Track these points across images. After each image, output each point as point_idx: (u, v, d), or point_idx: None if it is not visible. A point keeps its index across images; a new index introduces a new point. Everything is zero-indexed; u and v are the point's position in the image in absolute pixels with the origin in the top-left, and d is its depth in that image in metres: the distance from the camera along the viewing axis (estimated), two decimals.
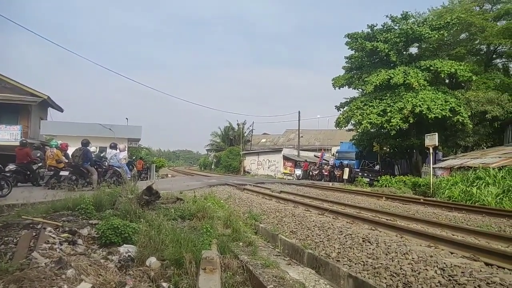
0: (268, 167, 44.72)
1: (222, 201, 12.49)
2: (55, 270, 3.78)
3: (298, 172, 35.93)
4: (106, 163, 14.56)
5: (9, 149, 16.82)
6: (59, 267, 3.88)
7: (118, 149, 14.83)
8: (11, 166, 13.18)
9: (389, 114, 23.86)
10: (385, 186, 22.08)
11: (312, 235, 7.59)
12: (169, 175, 36.12)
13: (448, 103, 23.11)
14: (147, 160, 29.89)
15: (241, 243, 6.84)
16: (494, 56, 29.39)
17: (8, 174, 11.54)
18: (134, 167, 16.10)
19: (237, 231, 7.38)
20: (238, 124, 60.35)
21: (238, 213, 10.37)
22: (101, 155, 15.15)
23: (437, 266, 5.05)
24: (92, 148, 14.76)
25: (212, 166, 61.30)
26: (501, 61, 29.99)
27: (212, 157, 64.40)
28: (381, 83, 24.47)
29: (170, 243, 5.30)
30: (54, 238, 5.31)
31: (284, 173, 40.40)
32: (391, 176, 24.20)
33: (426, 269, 5.02)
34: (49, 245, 4.88)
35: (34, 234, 5.45)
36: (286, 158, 42.45)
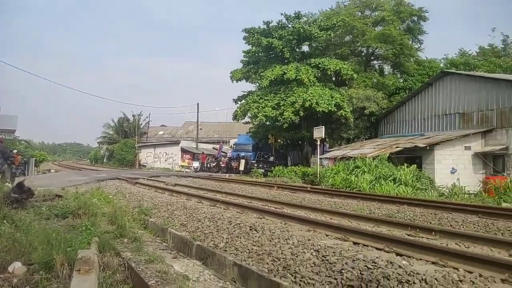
0: (165, 160, 43.58)
1: (110, 196, 11.74)
2: None
3: (196, 164, 35.76)
4: None
5: None
6: None
7: None
8: None
9: (282, 107, 25.11)
10: (278, 176, 23.28)
11: (202, 227, 7.59)
12: (52, 170, 32.66)
13: (334, 98, 25.25)
14: (25, 154, 26.59)
15: (125, 240, 6.50)
16: (372, 57, 32.93)
17: None
18: (12, 161, 14.06)
19: (123, 227, 7.01)
20: (133, 116, 57.35)
21: (127, 208, 9.84)
22: None
23: (313, 248, 5.46)
24: None
25: (104, 160, 57.34)
26: (377, 62, 33.75)
27: (104, 150, 60.16)
28: (275, 78, 25.61)
29: (39, 245, 4.79)
30: None
31: (181, 165, 39.81)
32: (284, 167, 25.61)
33: (304, 252, 5.39)
34: None
35: None
36: (184, 151, 41.86)
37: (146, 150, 47.35)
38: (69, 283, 4.13)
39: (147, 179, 19.27)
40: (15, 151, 16.37)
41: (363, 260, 4.78)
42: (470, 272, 4.40)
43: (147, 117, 56.91)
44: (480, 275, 4.30)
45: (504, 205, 12.77)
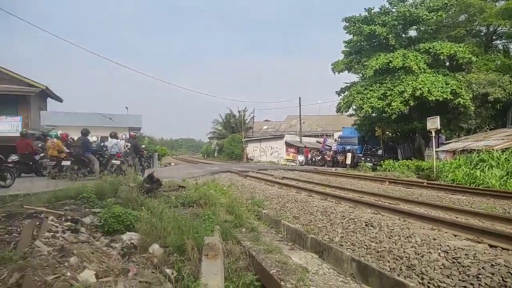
0: (271, 154, 44.71)
1: (224, 188, 12.50)
2: (58, 258, 3.78)
3: (301, 158, 35.90)
4: (107, 152, 14.56)
5: (11, 141, 16.80)
6: (62, 255, 3.87)
7: (118, 138, 14.82)
8: (14, 157, 13.19)
9: (389, 97, 23.65)
10: (388, 170, 22.04)
11: (315, 220, 7.59)
12: (171, 164, 36.19)
13: (449, 85, 22.84)
14: (149, 149, 29.91)
15: (243, 229, 6.84)
16: (494, 37, 28.83)
17: (10, 165, 11.54)
18: (142, 155, 15.90)
19: (240, 217, 7.39)
20: (239, 111, 60.15)
21: (241, 199, 10.38)
22: (102, 144, 15.12)
23: (440, 248, 5.03)
24: (93, 138, 14.75)
25: (215, 154, 61.32)
26: (501, 42, 29.43)
27: (214, 145, 64.36)
28: (380, 67, 24.17)
29: (172, 230, 5.30)
30: (56, 227, 5.31)
31: (286, 159, 40.39)
32: (394, 161, 24.14)
33: (430, 252, 5.00)
34: (52, 233, 4.89)
35: (37, 223, 5.46)
36: (288, 145, 42.40)
37: (252, 144, 49.24)
38: (199, 266, 4.52)
39: (256, 172, 20.02)
40: (143, 146, 18.46)
41: (505, 265, 4.24)
42: None
43: (251, 113, 59.21)
44: None
45: None
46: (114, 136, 14.77)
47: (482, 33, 28.97)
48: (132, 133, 16.03)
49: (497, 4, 26.81)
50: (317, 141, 43.63)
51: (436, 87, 22.61)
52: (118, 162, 13.58)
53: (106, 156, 14.26)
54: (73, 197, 7.52)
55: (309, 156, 35.56)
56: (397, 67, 23.54)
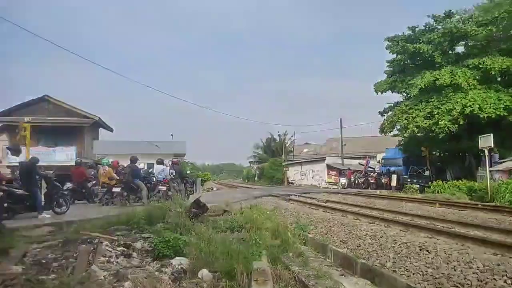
0: (312, 177, 44.12)
1: (268, 212, 12.41)
2: (114, 282, 3.89)
3: (343, 180, 35.11)
4: (154, 178, 15.03)
5: (65, 169, 17.83)
6: (117, 279, 3.99)
7: (164, 165, 15.29)
8: (68, 185, 13.96)
9: (436, 116, 22.78)
10: (437, 192, 20.96)
11: (364, 244, 7.33)
12: (214, 188, 36.62)
13: (502, 101, 21.68)
14: (192, 175, 30.57)
15: (290, 254, 6.73)
16: None
17: (66, 193, 12.19)
18: (187, 180, 16.37)
19: (286, 241, 7.29)
20: (279, 135, 60.41)
21: (285, 223, 10.25)
22: (149, 171, 15.65)
23: (506, 275, 4.67)
24: (140, 165, 15.32)
25: (256, 178, 61.43)
26: None
27: (255, 169, 64.61)
28: (426, 85, 23.45)
29: (220, 255, 5.32)
30: (110, 251, 5.50)
31: (328, 182, 39.65)
32: (443, 182, 22.97)
33: (494, 279, 4.66)
34: (107, 258, 5.06)
35: (92, 248, 5.68)
36: (329, 167, 41.69)
37: (293, 168, 48.92)
38: None
39: (298, 195, 19.78)
40: (187, 172, 18.89)
41: None
42: None
43: (292, 136, 59.19)
44: None
45: None
46: (160, 162, 15.26)
47: None
48: (174, 160, 16.46)
49: None
50: (359, 163, 42.57)
51: (488, 104, 21.56)
52: (164, 188, 13.97)
53: (153, 182, 14.73)
54: (124, 223, 7.79)
55: (352, 178, 34.70)
56: (445, 84, 22.77)
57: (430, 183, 23.72)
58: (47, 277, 4.39)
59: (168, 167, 15.74)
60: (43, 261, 5.10)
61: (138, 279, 4.18)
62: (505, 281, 4.53)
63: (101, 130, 32.98)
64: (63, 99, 27.55)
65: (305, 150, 69.59)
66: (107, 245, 5.82)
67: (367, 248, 7.09)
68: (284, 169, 49.11)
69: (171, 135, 38.62)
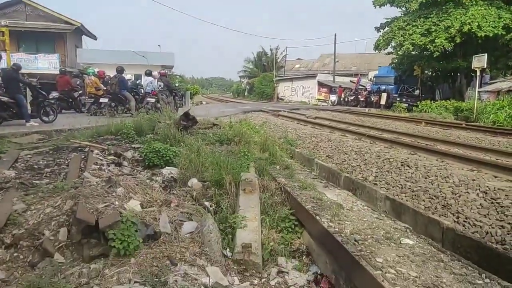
0: (302, 94, 44.01)
1: (257, 127, 12.57)
2: (106, 188, 4.02)
3: (333, 98, 35.21)
4: (142, 90, 14.79)
5: (50, 78, 17.34)
6: (109, 185, 4.11)
7: (153, 76, 14.93)
8: (54, 94, 13.68)
9: (433, 33, 22.17)
10: (425, 111, 21.29)
11: (349, 160, 7.59)
12: (203, 102, 36.49)
13: (502, 19, 20.99)
14: (181, 87, 30.17)
15: (277, 167, 6.95)
16: None
17: (52, 101, 12.00)
18: (176, 93, 16.10)
19: (274, 155, 7.47)
20: (271, 49, 58.52)
21: (274, 138, 10.45)
22: (137, 82, 15.33)
23: (479, 189, 4.95)
24: (128, 76, 14.94)
25: (245, 93, 61.07)
26: None
27: (245, 84, 63.89)
28: None
29: (209, 165, 5.46)
30: (101, 160, 5.60)
31: (318, 99, 39.73)
32: (432, 101, 23.20)
33: (468, 192, 4.95)
34: (98, 166, 5.17)
35: (82, 156, 5.76)
36: (320, 84, 41.41)
37: (283, 84, 48.46)
38: (237, 200, 4.71)
39: (287, 111, 19.92)
40: (176, 84, 18.56)
41: None
42: None
43: (284, 51, 57.51)
44: None
45: None
46: (149, 74, 14.88)
47: None
48: (162, 71, 15.98)
49: None
50: (350, 81, 42.25)
51: (487, 21, 20.88)
52: (153, 100, 13.83)
53: (141, 94, 14.52)
54: (113, 133, 7.83)
55: (342, 96, 34.75)
56: None
57: (418, 102, 23.96)
58: (40, 181, 4.50)
59: (156, 80, 15.40)
60: (35, 166, 5.19)
61: (129, 186, 4.32)
62: (477, 195, 4.82)
63: (85, 39, 31.47)
64: (42, 2, 25.70)
65: (297, 66, 68.29)
66: (97, 154, 5.90)
67: (352, 163, 7.36)
68: (275, 84, 48.67)
69: (159, 45, 37.20)
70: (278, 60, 58.77)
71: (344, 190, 6.14)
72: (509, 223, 4.08)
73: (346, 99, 33.51)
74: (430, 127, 14.14)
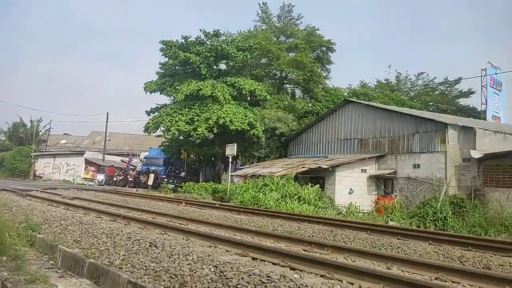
0: (66, 172, 40.09)
1: None
2: None
3: (101, 177, 33.61)
4: None
5: None
6: None
7: None
8: None
9: (196, 123, 25.05)
10: (188, 192, 22.93)
11: (98, 243, 7.11)
12: None
13: (248, 117, 25.95)
14: None
15: (4, 258, 5.81)
16: (285, 81, 34.76)
17: None
18: None
19: (3, 243, 6.25)
20: (31, 121, 52.07)
21: (13, 223, 8.85)
22: None
23: (212, 264, 5.46)
24: None
25: None
26: (289, 86, 35.70)
27: None
28: (191, 93, 25.54)
29: None
30: None
31: (85, 178, 37.00)
32: (195, 183, 25.34)
33: (202, 268, 5.36)
34: None
35: None
36: (88, 162, 39.00)
37: (43, 160, 43.08)
38: None
39: (41, 191, 17.51)
40: None
41: (259, 274, 4.92)
42: (352, 284, 4.80)
43: (47, 124, 52.11)
44: (360, 286, 4.72)
45: (390, 223, 14.21)
46: None
47: (277, 77, 34.53)
48: None
49: (289, 54, 32.48)
50: (121, 160, 41.68)
51: (237, 118, 25.28)
52: None
53: None
54: None
55: (113, 175, 33.62)
56: (206, 95, 25.30)
57: (184, 183, 25.69)
58: None
59: None
60: None
61: None
62: (209, 269, 5.28)
63: None
64: None
65: (63, 141, 62.65)
66: None
67: (100, 246, 6.91)
68: (32, 160, 42.68)
69: None
70: (40, 134, 52.58)
71: (85, 279, 5.63)
72: None
73: (115, 178, 32.53)
74: (189, 207, 15.18)
